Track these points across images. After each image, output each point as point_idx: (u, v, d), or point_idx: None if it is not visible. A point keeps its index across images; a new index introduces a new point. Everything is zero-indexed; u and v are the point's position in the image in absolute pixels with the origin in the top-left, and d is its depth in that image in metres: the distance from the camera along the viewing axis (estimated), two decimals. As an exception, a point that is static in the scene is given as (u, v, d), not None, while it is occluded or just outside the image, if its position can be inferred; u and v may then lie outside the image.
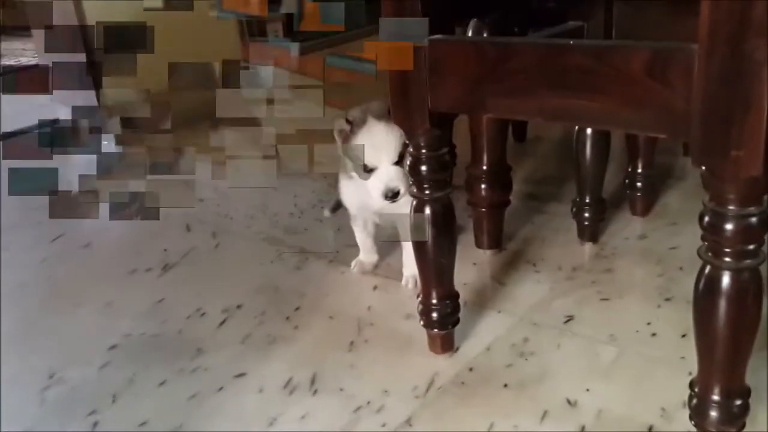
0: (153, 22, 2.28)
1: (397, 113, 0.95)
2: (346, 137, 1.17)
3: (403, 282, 1.30)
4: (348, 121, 1.16)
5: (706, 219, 0.74)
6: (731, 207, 0.72)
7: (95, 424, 1.01)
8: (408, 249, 1.26)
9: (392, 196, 1.14)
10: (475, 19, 1.14)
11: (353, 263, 1.36)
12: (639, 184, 1.46)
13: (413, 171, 0.98)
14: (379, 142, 1.14)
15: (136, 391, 1.08)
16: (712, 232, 0.74)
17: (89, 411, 1.04)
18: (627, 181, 1.47)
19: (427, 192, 0.98)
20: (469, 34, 1.14)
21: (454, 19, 1.00)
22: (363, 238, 1.34)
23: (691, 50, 0.68)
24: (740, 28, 0.66)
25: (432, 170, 0.97)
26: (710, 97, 0.69)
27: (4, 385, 1.12)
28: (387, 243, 1.37)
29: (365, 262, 1.36)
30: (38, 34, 2.38)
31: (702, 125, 0.70)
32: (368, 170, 1.15)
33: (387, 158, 1.14)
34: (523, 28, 1.16)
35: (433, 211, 0.99)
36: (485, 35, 1.13)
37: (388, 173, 1.14)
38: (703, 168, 0.72)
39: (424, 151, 0.96)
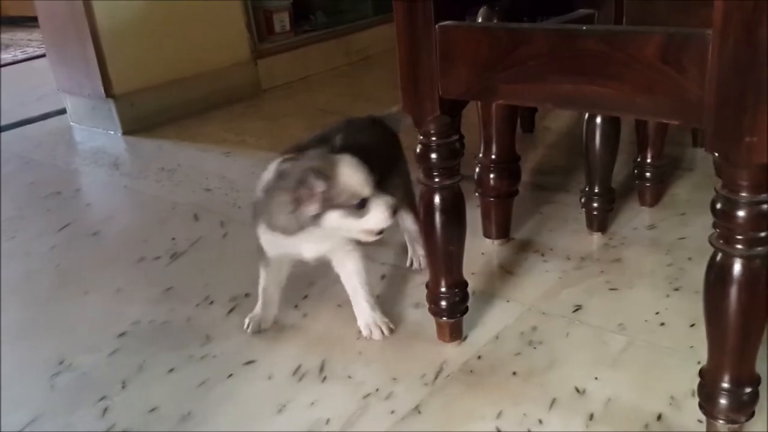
0: (158, 13, 2.29)
1: (407, 100, 0.95)
2: (321, 196, 1.00)
3: (408, 263, 1.32)
4: (322, 174, 0.99)
5: (718, 206, 0.74)
6: (743, 194, 0.72)
7: (105, 410, 1.02)
8: (412, 236, 1.29)
9: (393, 209, 1.04)
10: (485, 7, 1.13)
11: (247, 320, 1.17)
12: (648, 174, 1.45)
13: (422, 159, 0.98)
14: (361, 171, 1.02)
15: (145, 377, 1.08)
16: (723, 219, 0.74)
17: (99, 397, 1.04)
18: (636, 171, 1.47)
19: (436, 180, 0.98)
20: (479, 21, 1.14)
21: (464, 6, 1.00)
22: (271, 287, 1.17)
23: (706, 36, 0.68)
24: (755, 13, 0.65)
25: (442, 158, 0.97)
26: (724, 83, 0.68)
27: (14, 371, 1.13)
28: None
29: (264, 318, 1.17)
30: (45, 24, 2.37)
31: (715, 111, 0.70)
32: (362, 204, 1.01)
33: (370, 184, 1.03)
34: (533, 16, 1.15)
35: (442, 199, 0.99)
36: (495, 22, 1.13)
37: (380, 195, 1.03)
38: (716, 154, 0.72)
39: (434, 138, 0.95)
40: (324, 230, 1.03)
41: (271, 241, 1.10)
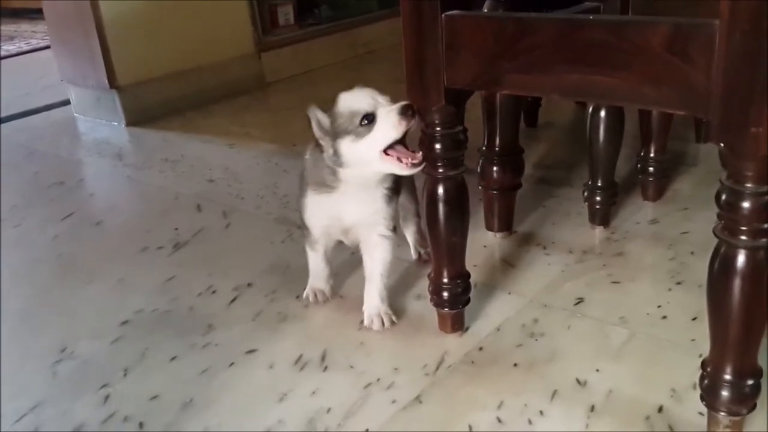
0: (162, 5, 2.29)
1: (412, 90, 0.95)
2: (325, 126, 1.03)
3: (414, 255, 1.31)
4: (320, 109, 1.03)
5: (723, 197, 0.74)
6: (749, 185, 0.72)
7: (106, 397, 1.02)
8: (414, 227, 1.28)
9: (408, 110, 0.96)
10: (491, -1, 1.13)
11: (306, 292, 1.22)
12: (651, 168, 1.45)
13: (427, 149, 0.98)
14: (366, 91, 1.03)
15: (147, 365, 1.08)
16: (728, 210, 0.74)
17: (101, 384, 1.04)
18: (639, 165, 1.47)
19: (440, 170, 0.98)
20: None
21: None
22: (321, 264, 1.20)
23: (713, 26, 0.68)
24: (762, 4, 0.65)
25: (446, 148, 0.97)
26: (731, 74, 0.68)
27: (17, 358, 1.13)
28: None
29: (322, 290, 1.21)
30: (50, 16, 2.37)
31: (722, 101, 0.69)
32: (369, 119, 0.99)
33: (382, 99, 1.01)
34: (538, 9, 1.15)
35: (446, 190, 0.99)
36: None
37: (389, 105, 1.00)
38: (722, 145, 0.72)
39: (438, 128, 0.95)
40: (351, 168, 1.02)
41: (317, 209, 1.11)
